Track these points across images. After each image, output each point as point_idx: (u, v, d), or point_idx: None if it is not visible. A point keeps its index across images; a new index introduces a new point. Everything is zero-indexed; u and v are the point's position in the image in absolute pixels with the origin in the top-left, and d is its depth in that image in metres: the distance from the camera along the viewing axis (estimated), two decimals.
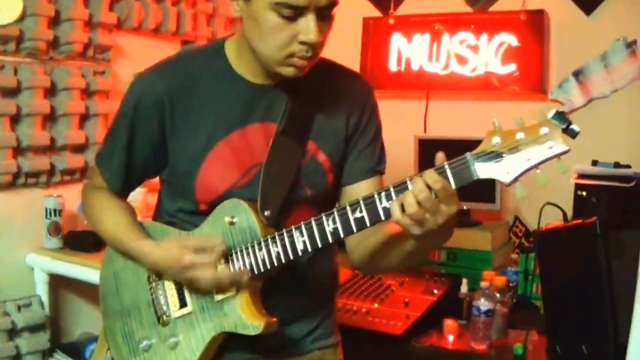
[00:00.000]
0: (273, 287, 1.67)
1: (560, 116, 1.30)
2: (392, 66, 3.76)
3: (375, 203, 1.44)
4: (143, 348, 1.76)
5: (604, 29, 3.30)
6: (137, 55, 3.34)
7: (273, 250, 1.58)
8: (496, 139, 1.34)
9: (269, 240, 1.59)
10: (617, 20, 3.28)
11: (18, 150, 2.91)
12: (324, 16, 1.53)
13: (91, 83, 3.14)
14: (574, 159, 1.47)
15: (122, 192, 1.84)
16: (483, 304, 2.53)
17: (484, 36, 3.52)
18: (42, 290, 3.00)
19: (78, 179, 3.14)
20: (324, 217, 1.51)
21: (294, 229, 1.56)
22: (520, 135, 1.32)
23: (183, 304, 1.72)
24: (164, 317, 1.74)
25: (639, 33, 3.21)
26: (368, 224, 1.46)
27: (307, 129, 1.71)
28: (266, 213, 1.65)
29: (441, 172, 1.37)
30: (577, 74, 3.36)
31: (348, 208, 1.48)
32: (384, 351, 2.57)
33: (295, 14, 1.49)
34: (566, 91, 3.37)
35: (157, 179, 1.85)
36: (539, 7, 3.42)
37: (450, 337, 2.64)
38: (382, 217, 1.44)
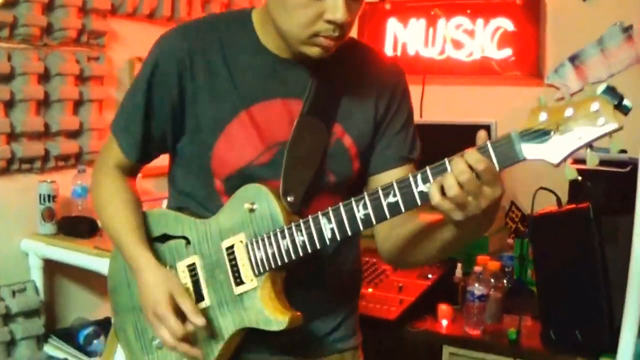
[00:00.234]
0: (292, 280, 1.55)
1: (612, 92, 1.18)
2: (388, 51, 3.75)
3: (410, 186, 1.31)
4: (156, 345, 1.65)
5: (600, 13, 3.29)
6: (132, 41, 3.32)
7: (298, 239, 1.45)
8: (543, 116, 1.21)
9: (294, 228, 1.45)
10: (613, 5, 3.27)
11: (12, 136, 2.90)
12: None
13: (85, 69, 3.12)
14: None
15: (139, 162, 1.70)
16: (477, 289, 2.54)
17: (480, 21, 3.52)
18: (36, 276, 3.00)
19: (72, 164, 3.12)
20: (353, 202, 1.38)
21: (320, 215, 1.42)
22: (569, 112, 1.19)
23: (200, 298, 1.59)
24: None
25: (635, 18, 3.20)
26: (403, 209, 1.33)
27: (333, 110, 1.59)
28: (289, 199, 1.52)
29: (484, 152, 1.24)
30: (573, 59, 3.35)
31: (380, 192, 1.34)
32: (378, 336, 2.55)
33: None
34: (562, 76, 3.36)
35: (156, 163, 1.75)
36: None
37: (445, 322, 2.65)
38: (419, 202, 1.31)
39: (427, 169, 1.30)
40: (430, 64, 3.65)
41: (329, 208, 1.41)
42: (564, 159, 1.22)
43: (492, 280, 2.59)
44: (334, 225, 1.41)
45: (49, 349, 2.99)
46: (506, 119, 2.99)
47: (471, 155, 1.24)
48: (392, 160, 1.64)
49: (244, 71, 1.56)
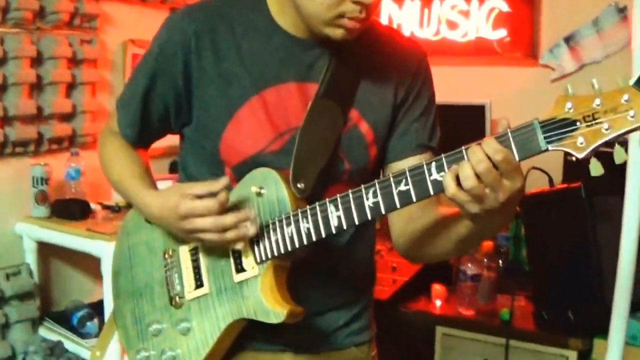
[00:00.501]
0: (307, 272, 1.48)
1: None
2: None
3: (424, 174, 1.23)
4: (152, 332, 1.57)
5: None
6: (125, 24, 3.29)
7: (303, 226, 1.37)
8: (569, 105, 1.14)
9: (299, 214, 1.38)
10: None
11: (5, 120, 2.90)
12: None
13: (78, 52, 3.12)
14: None
15: (135, 144, 1.63)
16: (470, 269, 2.54)
17: (474, 1, 3.51)
18: (30, 259, 3.01)
19: (65, 147, 3.13)
20: (363, 190, 1.30)
21: (328, 202, 1.34)
22: (597, 102, 1.12)
23: (199, 284, 1.51)
24: (177, 298, 1.54)
25: None
26: (414, 199, 1.25)
27: (351, 95, 1.50)
28: (299, 185, 1.43)
29: (503, 141, 1.16)
30: (568, 40, 3.34)
31: (392, 179, 1.26)
32: None
33: None
34: (557, 57, 3.35)
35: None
36: None
37: (438, 302, 2.65)
38: (431, 192, 1.23)
39: (443, 156, 1.22)
40: (425, 45, 3.59)
41: (337, 195, 1.34)
42: (591, 153, 1.12)
43: (485, 260, 2.59)
44: (341, 213, 1.33)
45: (43, 332, 3.00)
46: (501, 99, 3.00)
47: (489, 144, 1.15)
48: (409, 147, 1.55)
49: (256, 53, 1.48)
